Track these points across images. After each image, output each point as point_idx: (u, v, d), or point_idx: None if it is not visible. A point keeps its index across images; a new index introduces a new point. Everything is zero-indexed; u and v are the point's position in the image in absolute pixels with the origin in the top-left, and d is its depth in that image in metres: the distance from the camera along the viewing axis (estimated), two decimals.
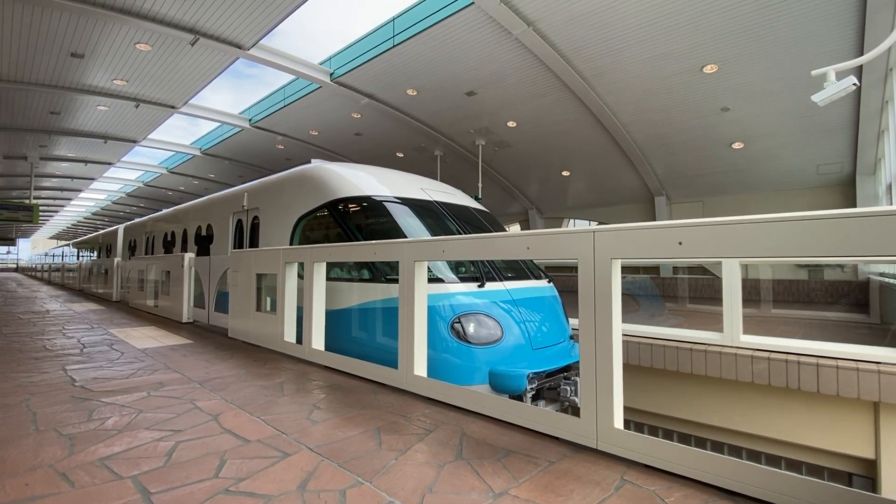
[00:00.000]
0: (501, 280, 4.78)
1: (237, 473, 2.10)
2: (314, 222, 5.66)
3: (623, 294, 2.39)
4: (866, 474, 4.83)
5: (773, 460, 5.21)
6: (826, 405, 4.85)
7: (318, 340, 4.47)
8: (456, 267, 4.77)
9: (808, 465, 5.06)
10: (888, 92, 8.61)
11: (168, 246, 10.20)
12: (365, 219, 5.40)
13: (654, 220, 13.67)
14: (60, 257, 25.41)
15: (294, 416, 2.95)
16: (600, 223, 7.64)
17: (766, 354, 4.90)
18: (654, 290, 11.89)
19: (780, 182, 13.10)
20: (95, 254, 16.91)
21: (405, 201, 5.49)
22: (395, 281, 4.01)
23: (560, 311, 5.16)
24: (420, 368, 3.37)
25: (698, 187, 14.45)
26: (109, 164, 19.04)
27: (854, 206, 11.49)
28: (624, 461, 2.25)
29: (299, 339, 4.77)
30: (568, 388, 4.00)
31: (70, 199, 28.13)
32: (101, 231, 17.16)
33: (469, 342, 4.06)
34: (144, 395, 3.39)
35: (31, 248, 57.94)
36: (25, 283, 22.06)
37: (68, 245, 24.85)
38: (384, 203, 5.35)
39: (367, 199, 5.36)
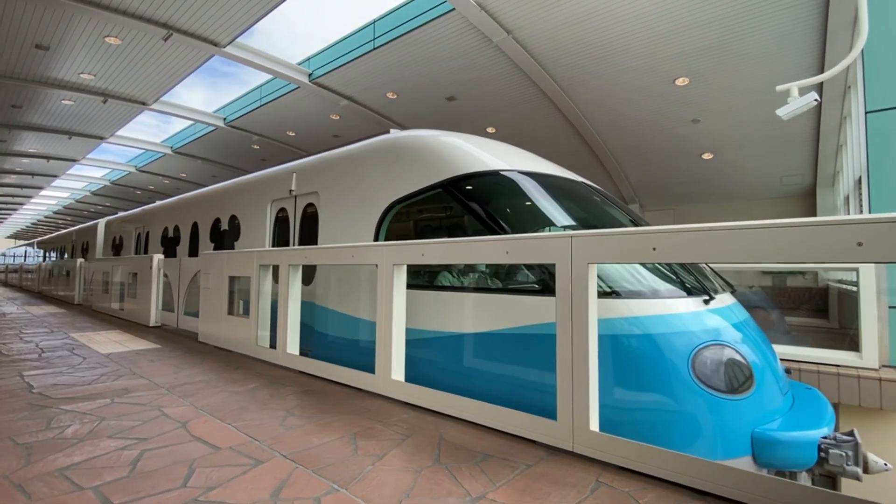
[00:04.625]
0: (707, 293, 3.19)
1: (207, 482, 2.03)
2: (417, 209, 4.40)
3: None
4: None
5: None
6: None
7: (292, 344, 4.38)
8: (661, 272, 3.34)
9: None
10: (846, 108, 9.08)
11: (170, 244, 8.50)
12: (501, 202, 3.95)
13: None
14: (22, 257, 24.16)
15: (267, 422, 2.88)
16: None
17: None
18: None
19: (746, 192, 13.63)
20: (68, 254, 15.48)
21: (545, 179, 4.11)
22: (540, 293, 3.03)
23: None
24: (397, 373, 3.34)
25: (670, 196, 14.89)
26: (74, 160, 18.28)
27: (814, 216, 12.05)
28: (600, 463, 2.28)
29: (273, 344, 4.67)
30: (841, 454, 2.64)
31: (30, 197, 26.86)
32: (76, 227, 15.77)
33: (718, 391, 2.68)
34: (108, 401, 3.25)
35: None
36: None
37: (31, 245, 23.63)
38: (527, 181, 3.97)
39: (498, 175, 3.95)
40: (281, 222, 5.78)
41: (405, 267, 3.41)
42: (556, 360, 2.44)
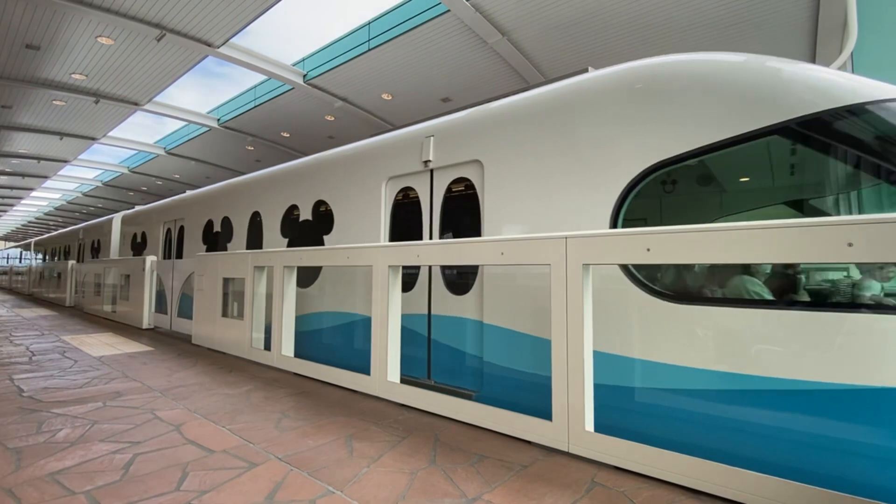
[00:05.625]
0: None
1: (200, 486, 2.02)
2: (713, 172, 2.81)
3: None
4: None
5: None
6: None
7: (287, 346, 4.36)
8: None
9: None
10: None
11: (216, 241, 6.70)
12: None
13: None
14: (15, 260, 23.84)
15: (262, 424, 2.86)
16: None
17: None
18: None
19: None
20: (74, 256, 14.19)
21: None
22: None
23: None
24: (393, 374, 3.33)
25: None
26: (65, 161, 18.12)
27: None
28: (595, 463, 2.28)
29: (267, 346, 4.64)
30: None
31: (20, 198, 26.58)
32: (83, 224, 14.59)
33: None
34: (100, 405, 3.22)
35: None
36: None
37: (25, 247, 23.27)
38: None
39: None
40: (402, 208, 4.23)
41: (400, 268, 3.41)
42: (552, 362, 2.44)
